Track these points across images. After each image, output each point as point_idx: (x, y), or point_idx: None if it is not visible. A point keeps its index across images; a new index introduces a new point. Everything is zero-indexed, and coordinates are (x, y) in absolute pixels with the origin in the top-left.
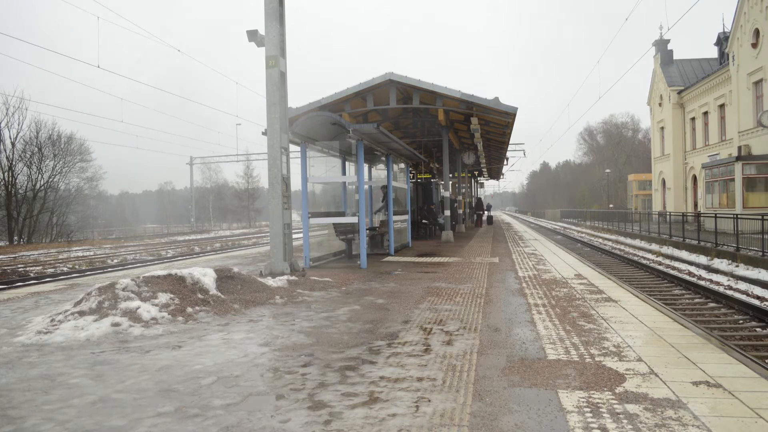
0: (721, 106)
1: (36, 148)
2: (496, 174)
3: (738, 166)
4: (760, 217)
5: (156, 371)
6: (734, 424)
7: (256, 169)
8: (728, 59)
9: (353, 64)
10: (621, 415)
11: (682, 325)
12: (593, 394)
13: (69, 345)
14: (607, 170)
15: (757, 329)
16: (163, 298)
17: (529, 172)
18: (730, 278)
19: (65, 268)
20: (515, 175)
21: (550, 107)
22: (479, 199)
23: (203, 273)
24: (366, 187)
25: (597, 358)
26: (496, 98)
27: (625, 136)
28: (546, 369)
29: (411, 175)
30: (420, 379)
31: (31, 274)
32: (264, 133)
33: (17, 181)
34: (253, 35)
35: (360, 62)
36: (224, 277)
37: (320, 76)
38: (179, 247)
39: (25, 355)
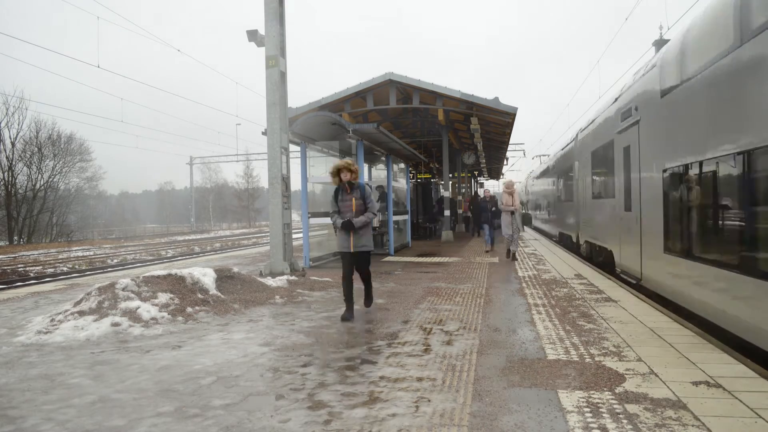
0: None
1: (36, 148)
2: (496, 174)
3: None
4: None
5: (156, 371)
6: (734, 424)
7: (256, 169)
8: None
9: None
10: (621, 415)
11: (681, 325)
12: (593, 394)
13: (69, 345)
14: None
15: None
16: (163, 298)
17: (529, 172)
18: None
19: (65, 268)
20: (515, 175)
21: (550, 107)
22: (477, 196)
23: (203, 273)
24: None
25: (597, 358)
26: (496, 98)
27: None
28: (546, 369)
29: (411, 175)
30: (420, 379)
31: (31, 274)
32: (264, 133)
33: (17, 181)
34: (253, 35)
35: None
36: (224, 277)
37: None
38: (179, 247)
39: (25, 355)
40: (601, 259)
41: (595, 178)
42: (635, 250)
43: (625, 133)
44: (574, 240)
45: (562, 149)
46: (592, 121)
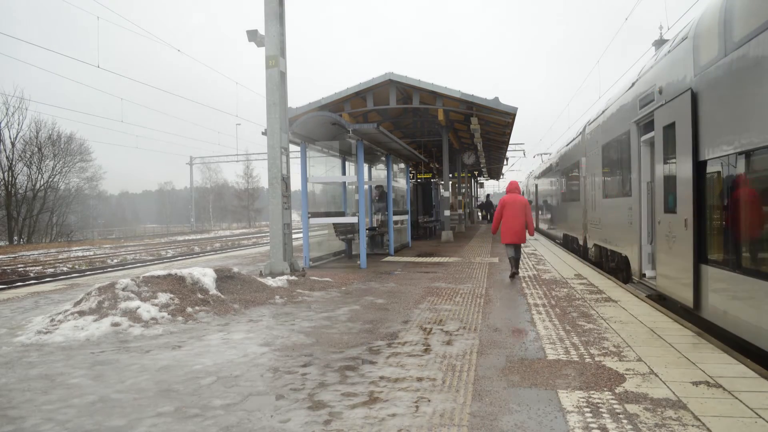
0: None
1: (36, 148)
2: (496, 174)
3: None
4: None
5: (156, 371)
6: (734, 424)
7: (256, 169)
8: None
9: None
10: (621, 415)
11: (681, 325)
12: (593, 394)
13: (69, 345)
14: None
15: None
16: (163, 298)
17: (529, 172)
18: None
19: (65, 268)
20: (515, 175)
21: (550, 107)
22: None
23: (203, 273)
24: (366, 187)
25: (597, 358)
26: (496, 98)
27: None
28: (546, 369)
29: (411, 175)
30: (420, 379)
31: (31, 274)
32: (264, 133)
33: (17, 181)
34: (253, 35)
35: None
36: (224, 277)
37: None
38: (179, 247)
39: (25, 355)
40: (612, 265)
41: (606, 175)
42: (673, 261)
43: (647, 122)
44: (581, 243)
45: (567, 145)
46: (603, 111)
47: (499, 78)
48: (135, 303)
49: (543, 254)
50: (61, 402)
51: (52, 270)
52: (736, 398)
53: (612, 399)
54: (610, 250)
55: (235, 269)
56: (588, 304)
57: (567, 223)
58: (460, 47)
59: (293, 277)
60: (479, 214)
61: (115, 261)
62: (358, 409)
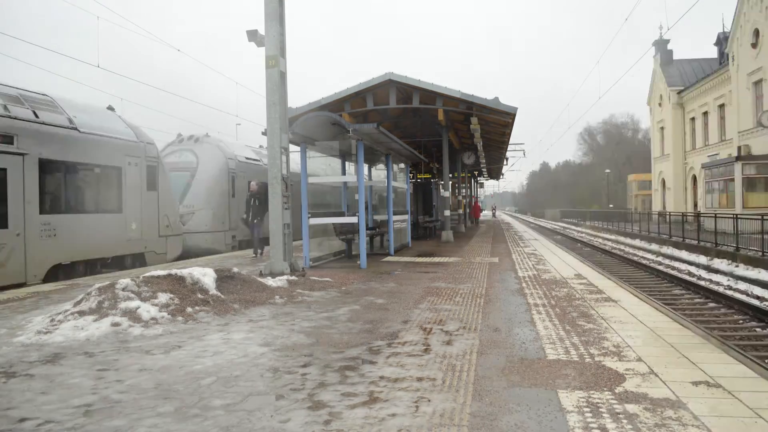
0: (721, 107)
1: None
2: (496, 174)
3: (738, 166)
4: (759, 217)
5: (156, 371)
6: (734, 424)
7: None
8: (728, 59)
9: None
10: (621, 415)
11: (681, 325)
12: (593, 394)
13: (69, 345)
14: (607, 170)
15: (757, 329)
16: (163, 298)
17: (529, 172)
18: (730, 278)
19: None
20: (515, 175)
21: (550, 107)
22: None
23: (203, 273)
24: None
25: (597, 358)
26: (496, 98)
27: (625, 136)
28: (546, 369)
29: (411, 175)
30: (420, 379)
31: None
32: (264, 133)
33: None
34: (253, 35)
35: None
36: (224, 277)
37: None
38: None
39: (25, 355)
40: None
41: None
42: None
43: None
44: None
45: None
46: None
47: (500, 76)
48: (135, 303)
49: (543, 254)
50: (61, 402)
51: None
52: (736, 398)
53: (612, 399)
54: None
55: (235, 269)
56: (588, 304)
57: None
58: (461, 47)
59: (293, 277)
60: None
61: None
62: (358, 409)
